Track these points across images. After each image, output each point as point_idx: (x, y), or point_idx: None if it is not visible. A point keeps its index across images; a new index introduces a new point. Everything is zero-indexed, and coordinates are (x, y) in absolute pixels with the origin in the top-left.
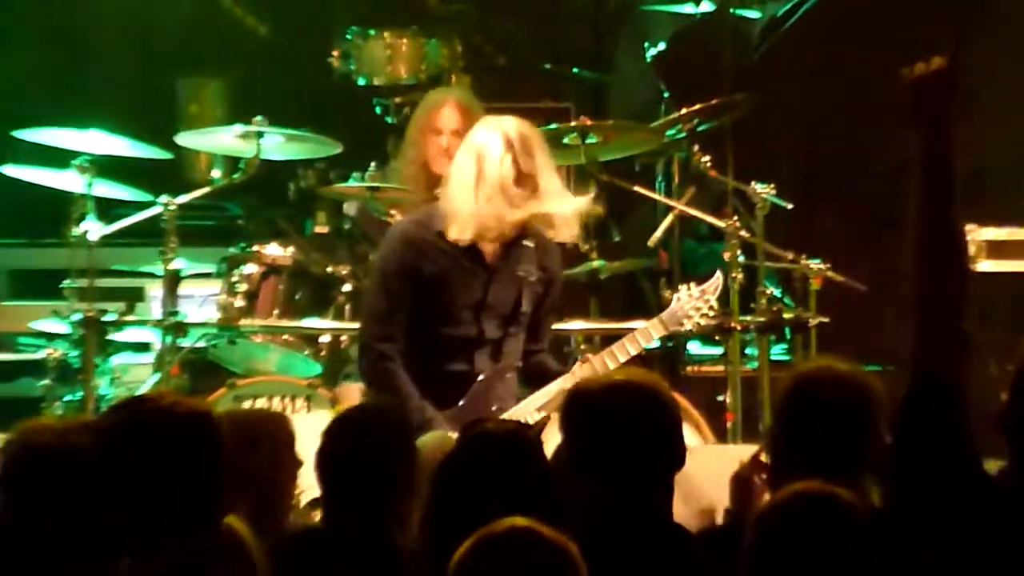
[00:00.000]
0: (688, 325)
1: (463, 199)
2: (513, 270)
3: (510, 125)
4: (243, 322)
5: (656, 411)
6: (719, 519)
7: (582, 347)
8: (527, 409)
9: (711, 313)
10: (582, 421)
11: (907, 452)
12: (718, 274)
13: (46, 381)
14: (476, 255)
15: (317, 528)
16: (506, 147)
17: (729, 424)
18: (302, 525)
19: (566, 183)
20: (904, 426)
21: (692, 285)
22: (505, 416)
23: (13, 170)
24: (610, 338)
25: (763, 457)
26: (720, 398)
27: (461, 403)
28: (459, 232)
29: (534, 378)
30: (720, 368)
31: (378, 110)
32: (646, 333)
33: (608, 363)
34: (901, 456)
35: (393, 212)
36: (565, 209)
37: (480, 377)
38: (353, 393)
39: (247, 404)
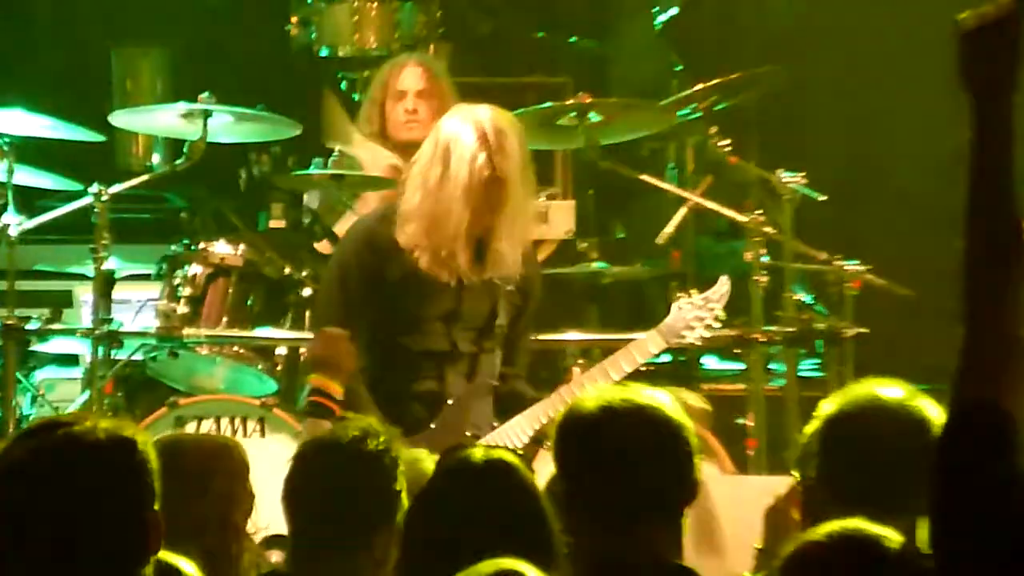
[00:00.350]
0: (690, 338)
1: (419, 200)
2: (488, 277)
3: (486, 116)
4: (186, 331)
5: (665, 437)
6: (740, 559)
7: (579, 362)
8: (515, 432)
9: (716, 325)
10: (577, 447)
11: (949, 491)
12: (723, 279)
13: None
14: (449, 254)
15: (281, 572)
16: (480, 142)
17: (751, 451)
18: (262, 569)
19: (562, 172)
20: (946, 460)
21: (694, 292)
22: (488, 441)
23: None
24: (611, 351)
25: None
26: (740, 421)
27: (431, 427)
28: (408, 238)
29: (506, 408)
30: (741, 386)
31: (343, 86)
32: (642, 347)
33: (600, 382)
34: (943, 495)
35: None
36: (527, 234)
37: (452, 399)
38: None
39: (191, 427)
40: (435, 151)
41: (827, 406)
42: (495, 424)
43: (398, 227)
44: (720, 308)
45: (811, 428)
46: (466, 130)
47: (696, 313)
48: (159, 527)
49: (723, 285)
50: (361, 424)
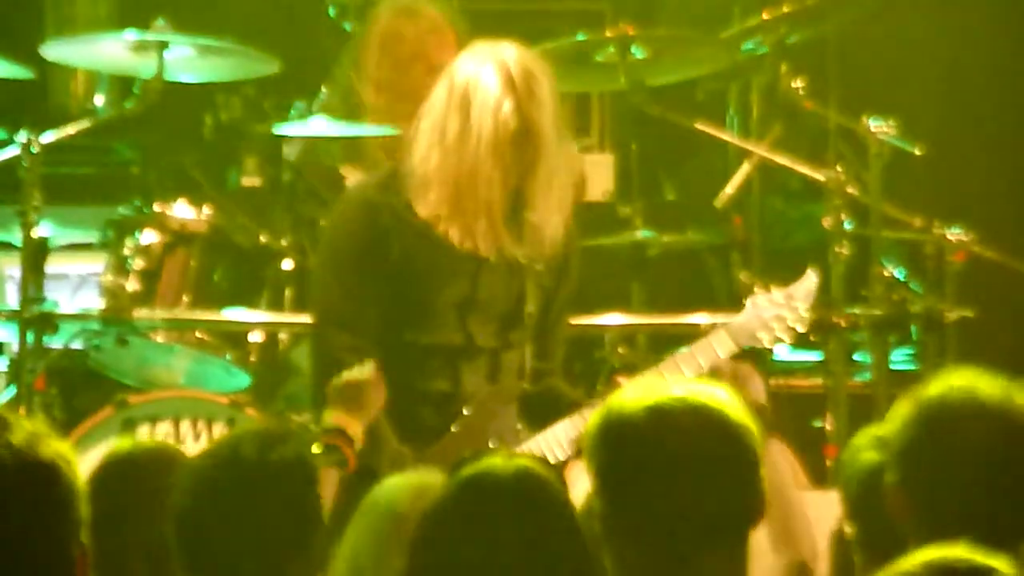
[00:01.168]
0: (767, 341)
1: (438, 162)
2: (513, 255)
3: (510, 55)
4: (138, 313)
5: (726, 443)
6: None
7: (619, 350)
8: (553, 443)
9: (800, 328)
10: (620, 457)
11: None
12: (810, 273)
13: None
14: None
15: None
16: (505, 87)
17: (830, 460)
18: None
19: (600, 120)
20: None
21: (774, 288)
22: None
23: None
24: (660, 339)
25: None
26: (818, 424)
27: (446, 437)
28: (430, 208)
29: (540, 410)
30: (818, 381)
31: (331, 11)
32: (707, 348)
33: None
34: None
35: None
36: (565, 200)
37: (470, 403)
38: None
39: (143, 431)
40: (450, 99)
41: (912, 401)
42: (522, 433)
43: (416, 195)
44: (805, 308)
45: (891, 428)
46: (487, 72)
47: (776, 312)
48: (86, 562)
49: (810, 279)
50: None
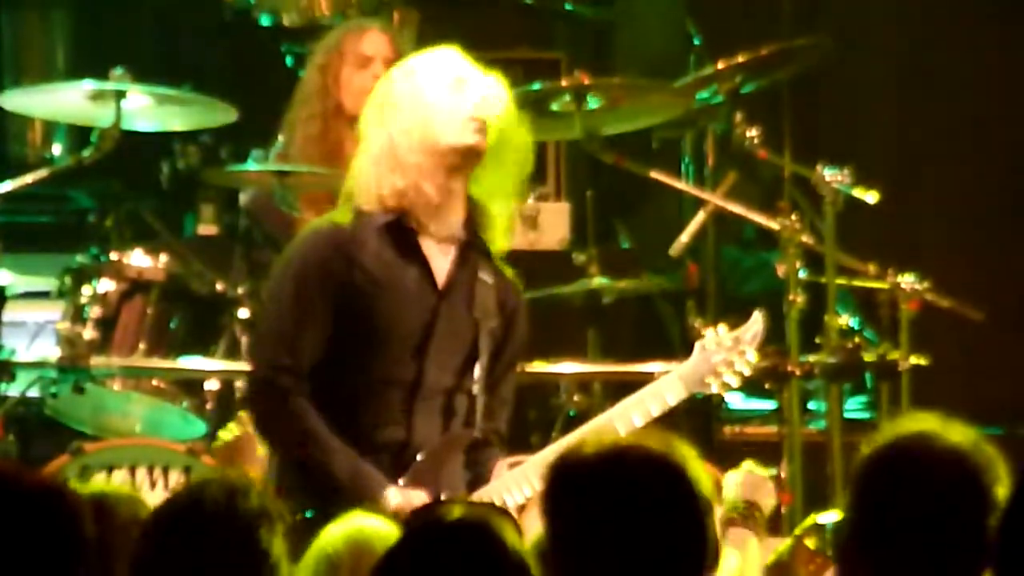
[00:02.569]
0: (715, 386)
1: (381, 161)
2: (467, 302)
3: (451, 59)
4: (94, 361)
5: (678, 491)
6: None
7: (575, 398)
8: (507, 488)
9: (747, 371)
10: (571, 506)
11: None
12: (757, 315)
13: None
14: (424, 266)
15: None
16: (452, 88)
17: (784, 508)
18: None
19: (556, 168)
20: (1018, 523)
21: (722, 329)
22: (475, 497)
23: None
24: (615, 386)
25: (809, 542)
26: (772, 471)
27: (401, 482)
28: (370, 201)
29: (472, 474)
30: (772, 429)
31: (289, 61)
32: (658, 395)
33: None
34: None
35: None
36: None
37: (423, 450)
38: (245, 449)
39: (99, 478)
40: (392, 98)
41: (865, 447)
42: (467, 481)
43: (357, 197)
44: (753, 351)
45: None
46: (434, 62)
47: (724, 356)
48: None
49: (756, 323)
50: (225, 478)
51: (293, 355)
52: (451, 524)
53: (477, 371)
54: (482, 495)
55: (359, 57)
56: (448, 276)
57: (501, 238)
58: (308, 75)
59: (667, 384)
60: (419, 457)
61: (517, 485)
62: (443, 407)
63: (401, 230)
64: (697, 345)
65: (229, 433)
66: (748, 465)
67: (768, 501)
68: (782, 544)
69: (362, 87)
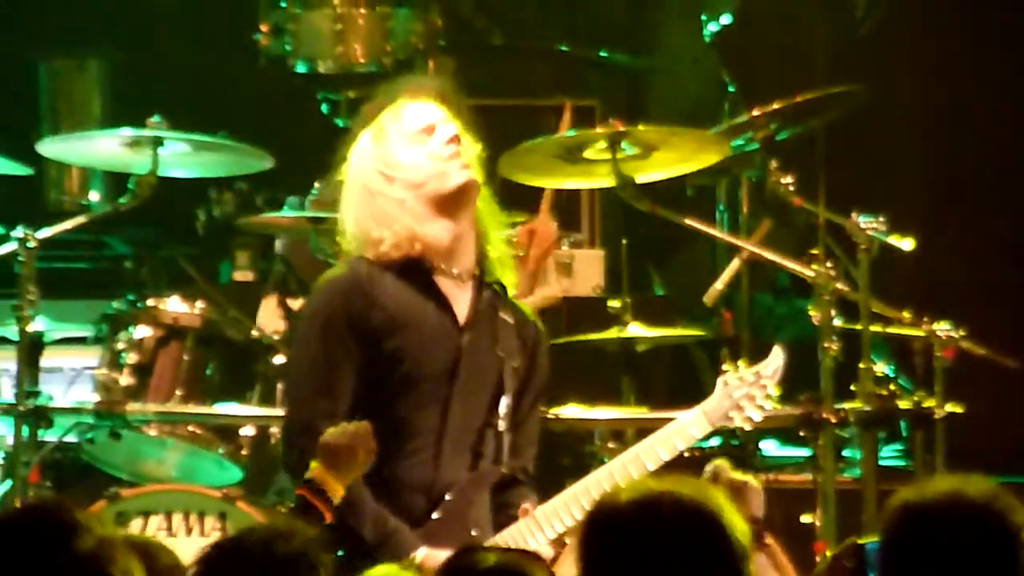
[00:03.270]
0: (738, 420)
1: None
2: (490, 340)
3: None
4: (131, 407)
5: (713, 539)
6: None
7: (609, 445)
8: (531, 530)
9: (768, 405)
10: (609, 549)
11: None
12: (777, 350)
13: None
14: (444, 304)
15: None
16: (423, 125)
17: (819, 556)
18: None
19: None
20: None
21: (742, 365)
22: (500, 541)
23: None
24: (649, 433)
25: (848, 562)
26: (806, 519)
27: (428, 524)
28: (378, 252)
29: (500, 515)
30: (807, 477)
31: (324, 108)
32: (683, 431)
33: (631, 473)
34: None
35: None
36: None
37: (452, 488)
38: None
39: (135, 524)
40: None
41: (896, 501)
42: (493, 519)
43: (389, 254)
44: (773, 385)
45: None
46: (396, 121)
47: (746, 391)
48: None
49: (776, 357)
50: (273, 523)
51: (330, 399)
52: (486, 571)
53: (503, 408)
54: (510, 535)
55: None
56: (468, 314)
57: (508, 274)
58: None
59: (691, 420)
60: (448, 496)
61: (544, 525)
62: (471, 445)
63: (417, 270)
64: (719, 381)
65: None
66: (717, 466)
67: (748, 511)
68: (820, 563)
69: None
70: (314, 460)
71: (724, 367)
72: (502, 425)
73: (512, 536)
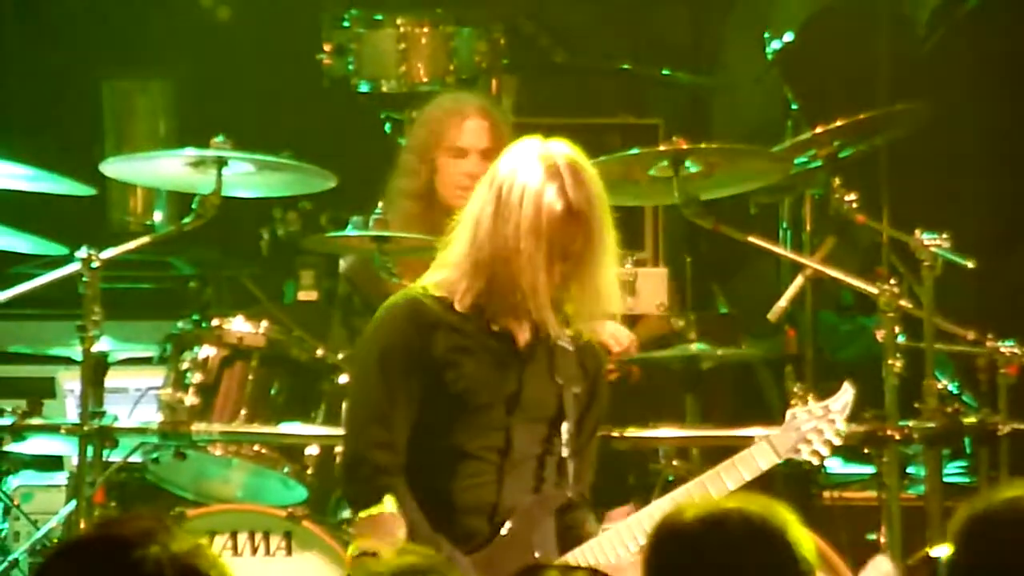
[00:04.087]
0: (805, 453)
1: (477, 252)
2: (550, 368)
3: (555, 147)
4: (195, 427)
5: (779, 556)
6: None
7: (674, 463)
8: (601, 550)
9: (837, 440)
10: (675, 566)
11: None
12: (847, 386)
13: None
14: (505, 335)
15: None
16: (549, 174)
17: None
18: None
19: (653, 234)
20: None
21: (811, 399)
22: (579, 555)
23: None
24: (713, 452)
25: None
26: (872, 537)
27: (491, 545)
28: (470, 298)
29: (567, 541)
30: (872, 494)
31: (388, 128)
32: (750, 461)
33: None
34: None
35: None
36: (612, 297)
37: (515, 511)
38: (385, 526)
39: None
40: (490, 191)
41: (962, 513)
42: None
43: (456, 290)
44: (842, 420)
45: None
46: (529, 160)
47: (814, 424)
48: None
49: (846, 393)
50: (406, 563)
51: (387, 430)
52: None
53: (565, 434)
54: (576, 556)
55: (454, 148)
56: (528, 341)
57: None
58: (406, 150)
59: (759, 450)
60: (511, 520)
61: (612, 547)
62: (534, 471)
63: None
64: (788, 413)
65: (376, 509)
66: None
67: None
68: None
69: (452, 178)
70: (358, 538)
71: (793, 390)
72: (565, 451)
73: (591, 550)
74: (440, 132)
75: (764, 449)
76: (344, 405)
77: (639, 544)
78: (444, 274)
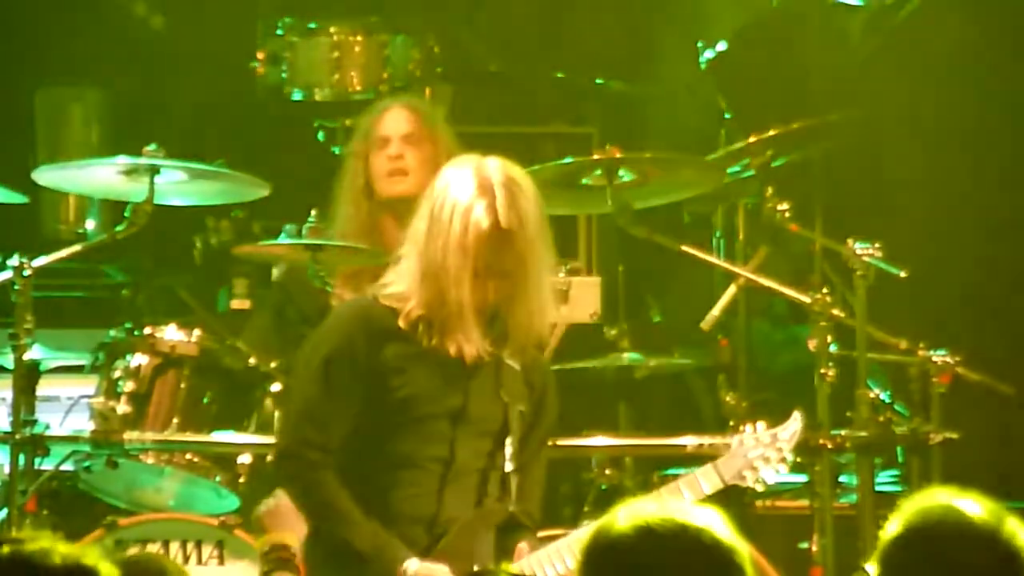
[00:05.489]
0: (750, 480)
1: (412, 267)
2: (495, 385)
3: (490, 164)
4: (128, 436)
5: (715, 564)
6: None
7: (607, 472)
8: (540, 565)
9: (784, 469)
10: None
11: None
12: (796, 415)
13: None
14: (451, 349)
15: None
16: (479, 190)
17: None
18: None
19: (587, 243)
20: None
21: (760, 426)
22: (516, 568)
23: None
24: (647, 460)
25: None
26: (804, 545)
27: (431, 554)
28: (410, 314)
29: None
30: (804, 503)
31: (321, 136)
32: (693, 484)
33: None
34: None
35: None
36: (546, 314)
37: (454, 523)
38: (284, 515)
39: (132, 552)
40: (426, 205)
41: (892, 525)
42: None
43: (397, 304)
44: (789, 449)
45: (874, 554)
46: (463, 176)
47: (761, 452)
48: None
49: (795, 422)
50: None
51: (321, 431)
52: None
53: (508, 450)
54: (519, 568)
55: (378, 139)
56: (473, 357)
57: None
58: (347, 157)
59: (704, 474)
60: (450, 531)
61: (550, 562)
62: (476, 485)
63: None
64: (735, 440)
65: (270, 501)
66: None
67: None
68: None
69: (380, 168)
70: (262, 534)
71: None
72: (508, 467)
73: (528, 564)
74: (368, 129)
75: (709, 473)
76: (276, 414)
77: (560, 571)
78: (393, 287)
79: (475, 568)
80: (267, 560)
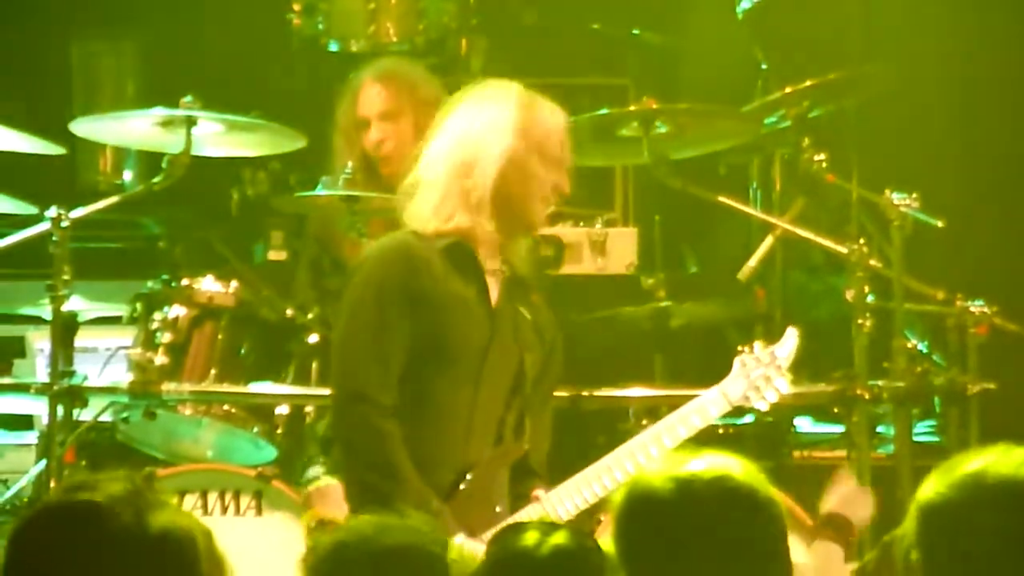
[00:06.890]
0: (755, 401)
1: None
2: (513, 329)
3: (524, 93)
4: (165, 387)
5: (751, 515)
6: None
7: (643, 423)
8: (572, 501)
9: (784, 386)
10: (649, 533)
11: None
12: (791, 331)
13: None
14: (482, 285)
15: None
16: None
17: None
18: None
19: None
20: None
21: (757, 346)
22: (535, 510)
23: None
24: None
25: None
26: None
27: (454, 498)
28: (427, 227)
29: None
30: (841, 453)
31: None
32: (703, 409)
33: (652, 452)
34: None
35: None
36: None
37: (476, 464)
38: (333, 496)
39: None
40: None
41: (927, 487)
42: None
43: (435, 238)
44: (787, 366)
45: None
46: (502, 99)
47: (762, 371)
48: None
49: (791, 338)
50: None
51: (386, 371)
52: (539, 557)
53: (524, 390)
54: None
55: (357, 121)
56: (497, 302)
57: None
58: (334, 132)
59: (710, 399)
60: (472, 472)
61: (569, 496)
62: (495, 427)
63: (462, 251)
64: (736, 361)
65: (321, 481)
66: (844, 474)
67: (861, 514)
68: (869, 552)
69: (371, 149)
70: (308, 512)
71: (738, 349)
72: (523, 410)
73: (548, 501)
74: (347, 111)
75: (716, 398)
76: (314, 365)
77: (579, 505)
78: (430, 220)
79: (496, 509)
80: (314, 535)
